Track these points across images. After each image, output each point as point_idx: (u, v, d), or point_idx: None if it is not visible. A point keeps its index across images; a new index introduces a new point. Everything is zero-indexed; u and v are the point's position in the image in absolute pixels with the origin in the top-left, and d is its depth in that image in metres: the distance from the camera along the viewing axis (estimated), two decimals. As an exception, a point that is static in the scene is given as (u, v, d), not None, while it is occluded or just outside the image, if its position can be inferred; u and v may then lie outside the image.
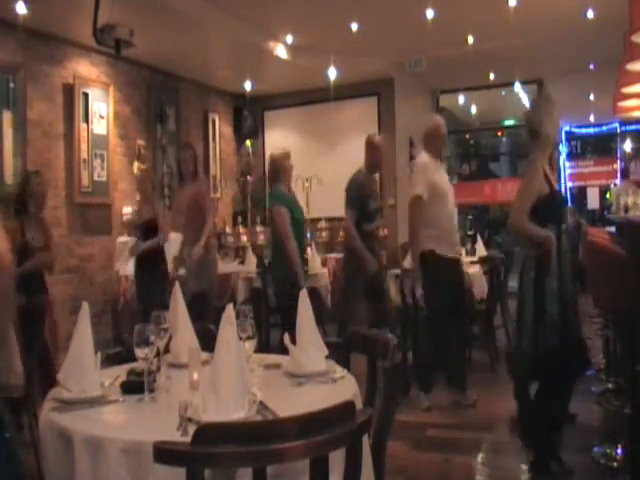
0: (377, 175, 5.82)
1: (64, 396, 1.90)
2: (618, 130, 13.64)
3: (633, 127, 12.84)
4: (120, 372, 2.12)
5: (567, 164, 15.36)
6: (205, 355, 2.09)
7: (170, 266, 6.28)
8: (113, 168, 7.19)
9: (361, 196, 5.18)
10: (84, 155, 6.81)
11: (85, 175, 6.80)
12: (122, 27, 5.69)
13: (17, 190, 4.85)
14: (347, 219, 5.19)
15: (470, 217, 12.25)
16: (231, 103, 9.69)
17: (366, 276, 5.14)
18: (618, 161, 13.72)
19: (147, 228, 5.54)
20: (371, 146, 5.31)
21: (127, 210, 7.24)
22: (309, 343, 2.19)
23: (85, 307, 2.04)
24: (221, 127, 9.42)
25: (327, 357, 2.21)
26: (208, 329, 2.45)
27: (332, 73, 7.57)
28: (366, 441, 1.66)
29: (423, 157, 4.75)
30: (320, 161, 8.94)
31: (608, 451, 3.49)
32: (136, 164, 7.57)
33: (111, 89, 7.21)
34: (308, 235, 9.01)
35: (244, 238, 8.57)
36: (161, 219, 5.54)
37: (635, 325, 3.16)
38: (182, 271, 6.05)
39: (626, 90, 5.13)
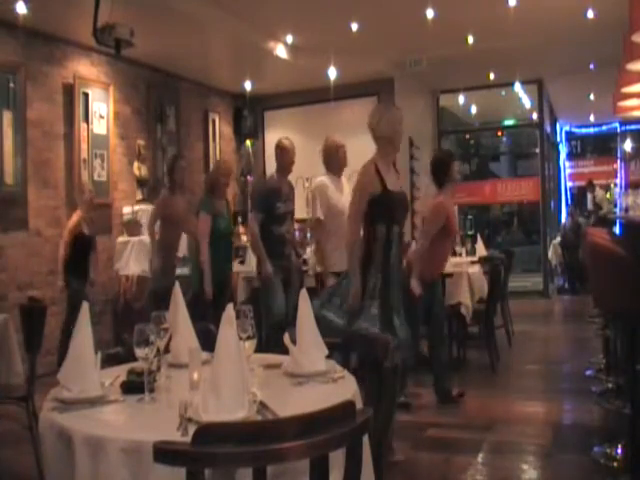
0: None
1: (64, 396, 1.90)
2: (618, 130, 13.67)
3: (633, 127, 12.87)
4: (120, 372, 2.12)
5: (567, 164, 15.38)
6: (205, 355, 2.09)
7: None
8: (113, 168, 7.18)
9: (267, 199, 5.21)
10: (84, 155, 6.79)
11: (85, 175, 6.79)
12: (122, 27, 5.68)
13: None
14: (251, 223, 5.29)
15: (470, 217, 12.28)
16: (231, 103, 9.69)
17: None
18: (618, 160, 13.73)
19: None
20: (280, 149, 5.44)
21: (127, 210, 7.24)
22: (309, 343, 2.19)
23: (85, 307, 2.04)
24: (221, 127, 9.41)
25: (327, 357, 2.21)
26: (208, 329, 2.45)
27: (332, 73, 7.57)
28: (366, 441, 1.66)
29: (320, 179, 5.21)
30: (320, 161, 8.91)
31: (608, 451, 3.48)
32: (136, 164, 7.57)
33: (111, 89, 7.20)
34: (308, 235, 8.99)
35: (244, 238, 8.55)
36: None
37: (635, 325, 3.16)
38: (184, 270, 6.06)
39: (626, 90, 5.13)
